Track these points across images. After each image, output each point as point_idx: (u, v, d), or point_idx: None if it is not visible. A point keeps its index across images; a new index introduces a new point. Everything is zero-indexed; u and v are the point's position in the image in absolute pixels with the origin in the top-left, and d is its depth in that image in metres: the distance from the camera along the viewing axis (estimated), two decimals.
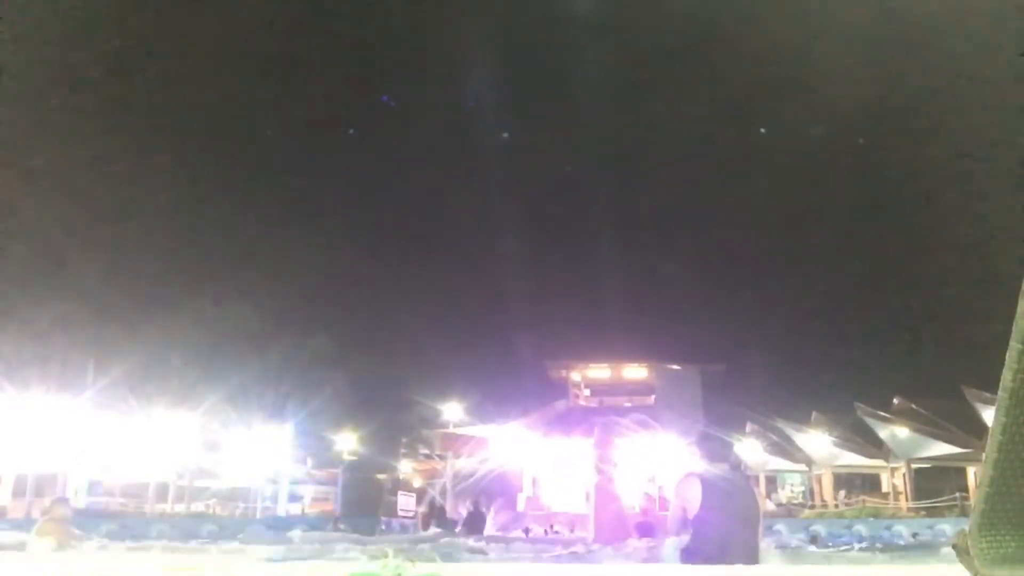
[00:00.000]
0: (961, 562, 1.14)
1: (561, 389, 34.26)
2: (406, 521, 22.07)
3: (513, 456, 26.52)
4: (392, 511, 23.69)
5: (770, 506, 27.84)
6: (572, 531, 18.47)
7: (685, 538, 4.44)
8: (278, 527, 17.86)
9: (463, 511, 20.23)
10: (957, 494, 25.09)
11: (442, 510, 19.39)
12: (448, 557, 4.12)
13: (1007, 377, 1.05)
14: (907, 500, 26.78)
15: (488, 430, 27.11)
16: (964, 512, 21.00)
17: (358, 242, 44.34)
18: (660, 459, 24.51)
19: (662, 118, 42.86)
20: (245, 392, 26.55)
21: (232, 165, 43.54)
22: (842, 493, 29.61)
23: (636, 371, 34.33)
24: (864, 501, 27.17)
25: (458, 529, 16.52)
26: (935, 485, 27.00)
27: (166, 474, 25.25)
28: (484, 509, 18.21)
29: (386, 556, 2.93)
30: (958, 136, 30.00)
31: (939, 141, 32.12)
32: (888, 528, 17.85)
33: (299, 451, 28.62)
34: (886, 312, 39.51)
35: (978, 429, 22.77)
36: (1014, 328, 1.04)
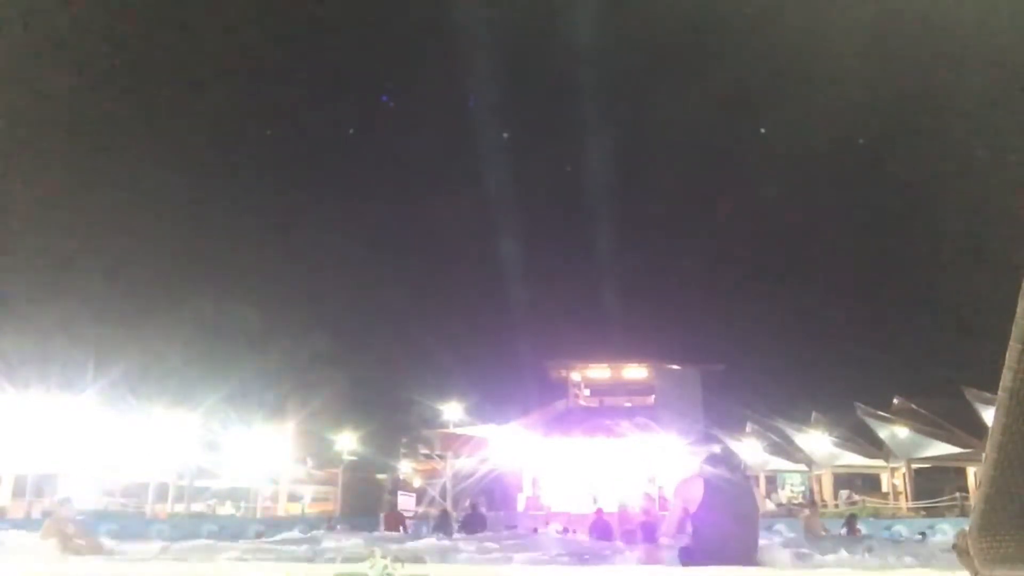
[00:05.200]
0: (961, 562, 1.14)
1: (561, 389, 34.27)
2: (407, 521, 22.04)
3: (513, 456, 26.53)
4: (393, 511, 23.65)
5: (770, 506, 27.83)
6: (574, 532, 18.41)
7: (684, 538, 4.46)
8: (278, 527, 17.87)
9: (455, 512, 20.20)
10: (957, 494, 25.09)
11: (444, 513, 19.23)
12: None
13: (1007, 377, 1.05)
14: (907, 500, 26.78)
15: (488, 430, 27.10)
16: (964, 512, 21.01)
17: (358, 242, 44.32)
18: (660, 459, 24.53)
19: (662, 118, 42.85)
20: (245, 392, 26.51)
21: (232, 165, 43.55)
22: (845, 493, 29.61)
23: (636, 371, 34.33)
24: (864, 501, 27.19)
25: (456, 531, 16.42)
26: (935, 485, 27.00)
27: (166, 474, 25.24)
28: (483, 510, 18.11)
29: (373, 555, 2.93)
30: (959, 136, 30.01)
31: (940, 141, 32.14)
32: (888, 528, 17.87)
33: (299, 451, 28.61)
34: (886, 312, 39.53)
35: (978, 429, 22.76)
36: (1014, 328, 1.05)
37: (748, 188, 42.12)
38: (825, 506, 29.30)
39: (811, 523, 13.06)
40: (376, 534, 12.55)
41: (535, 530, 17.85)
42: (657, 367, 33.03)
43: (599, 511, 16.63)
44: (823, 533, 12.79)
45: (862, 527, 15.03)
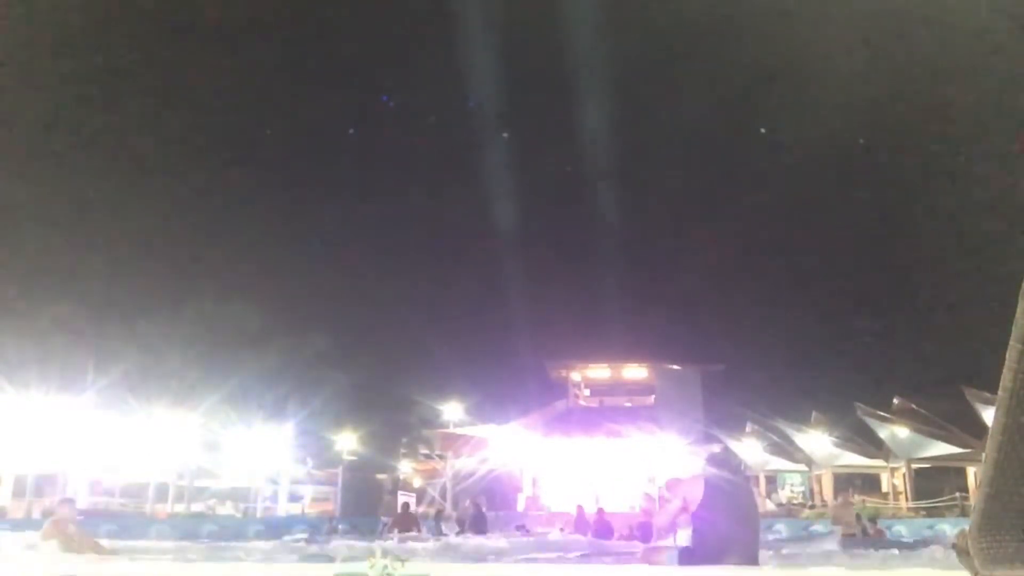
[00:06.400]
0: (961, 562, 1.14)
1: (561, 389, 34.25)
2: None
3: (513, 456, 26.53)
4: (392, 511, 23.70)
5: (770, 506, 27.85)
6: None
7: (682, 536, 4.46)
8: (278, 527, 17.87)
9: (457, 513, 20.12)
10: (957, 494, 25.09)
11: (441, 514, 19.19)
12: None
13: (1007, 377, 1.05)
14: (907, 500, 26.78)
15: (488, 430, 27.12)
16: (964, 512, 21.02)
17: (358, 242, 44.34)
18: (660, 459, 24.52)
19: (663, 117, 42.90)
20: (245, 392, 26.48)
21: (232, 165, 43.57)
22: (846, 493, 29.60)
23: (636, 371, 34.30)
24: (864, 501, 27.18)
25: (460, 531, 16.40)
26: (935, 485, 27.01)
27: (166, 474, 25.21)
28: (485, 510, 18.10)
29: (373, 556, 2.93)
30: (958, 136, 30.02)
31: (939, 141, 32.14)
32: (888, 528, 17.84)
33: (299, 451, 28.60)
34: (886, 312, 39.53)
35: (978, 429, 22.76)
36: (1014, 328, 1.04)
37: (748, 188, 42.16)
38: (825, 506, 29.31)
39: (843, 516, 12.99)
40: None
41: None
42: (657, 367, 32.99)
43: (600, 511, 16.56)
44: (855, 525, 12.73)
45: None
